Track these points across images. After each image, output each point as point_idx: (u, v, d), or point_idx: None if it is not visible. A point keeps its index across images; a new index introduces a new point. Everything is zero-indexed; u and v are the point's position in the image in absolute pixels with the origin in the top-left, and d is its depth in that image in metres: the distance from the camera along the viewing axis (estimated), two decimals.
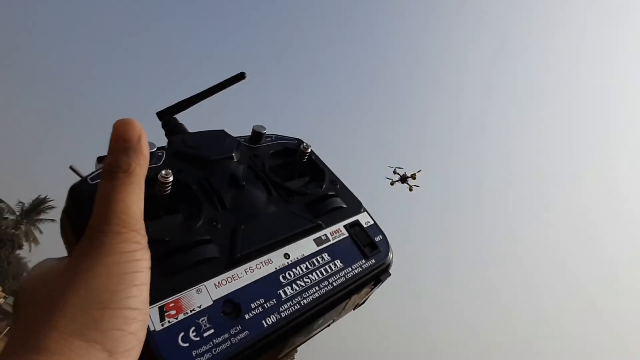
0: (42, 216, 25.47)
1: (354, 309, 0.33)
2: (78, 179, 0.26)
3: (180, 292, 0.23)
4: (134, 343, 0.18)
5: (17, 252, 23.49)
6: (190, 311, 0.22)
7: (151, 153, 0.28)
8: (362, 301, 0.33)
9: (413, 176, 13.24)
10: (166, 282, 0.22)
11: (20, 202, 24.42)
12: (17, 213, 24.17)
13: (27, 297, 0.19)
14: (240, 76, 0.37)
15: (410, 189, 13.35)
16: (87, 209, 0.22)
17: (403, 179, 13.39)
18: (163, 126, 0.35)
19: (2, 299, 25.30)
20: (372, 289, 0.31)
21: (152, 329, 0.20)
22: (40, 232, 25.36)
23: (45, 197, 25.45)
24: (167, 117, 0.35)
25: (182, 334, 0.21)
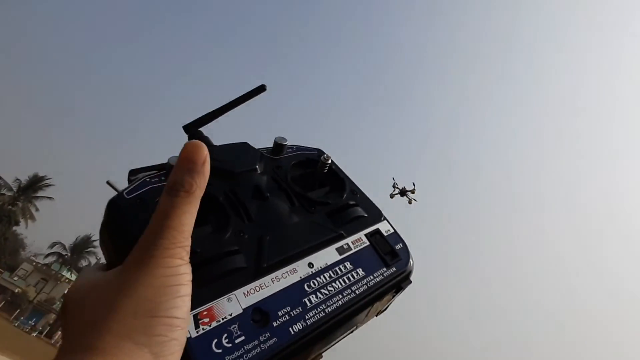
0: (39, 194, 25.37)
1: (376, 316, 0.34)
2: (114, 193, 0.28)
3: (213, 300, 0.24)
4: (176, 348, 0.20)
5: (14, 228, 23.49)
6: (222, 319, 0.23)
7: None
8: (384, 308, 0.34)
9: (412, 190, 13.15)
10: (199, 291, 0.23)
11: (17, 179, 24.33)
12: (14, 190, 24.08)
13: (77, 303, 0.21)
14: (261, 89, 0.37)
15: (410, 202, 13.27)
16: (124, 223, 0.25)
17: (402, 193, 13.32)
18: (190, 139, 0.36)
19: None
20: (393, 296, 0.32)
21: (188, 336, 0.22)
22: (37, 209, 25.28)
23: (43, 176, 25.29)
24: (193, 130, 0.36)
25: (216, 340, 0.22)
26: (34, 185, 25.18)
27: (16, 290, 23.65)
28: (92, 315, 0.19)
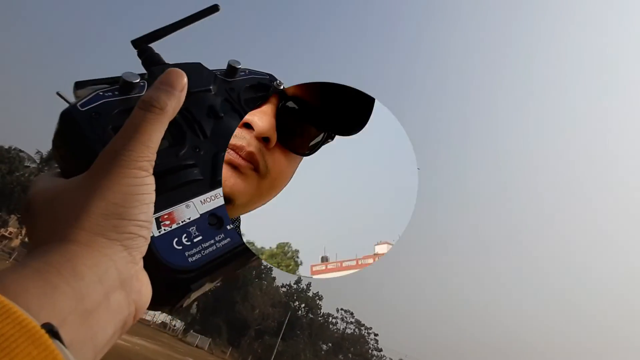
0: None
1: None
2: (65, 104, 0.29)
3: (172, 206, 0.28)
4: (143, 243, 0.24)
5: None
6: (182, 222, 0.27)
7: (134, 83, 0.30)
8: None
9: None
10: (160, 198, 0.26)
11: (38, 151, 25.93)
12: (37, 161, 25.73)
13: (44, 203, 0.24)
14: (214, 9, 0.37)
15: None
16: (82, 135, 0.27)
17: None
18: (139, 55, 0.36)
19: None
20: None
21: (152, 235, 0.25)
22: None
23: None
24: (142, 46, 0.36)
25: (176, 239, 0.26)
26: None
27: None
28: (64, 214, 0.22)
